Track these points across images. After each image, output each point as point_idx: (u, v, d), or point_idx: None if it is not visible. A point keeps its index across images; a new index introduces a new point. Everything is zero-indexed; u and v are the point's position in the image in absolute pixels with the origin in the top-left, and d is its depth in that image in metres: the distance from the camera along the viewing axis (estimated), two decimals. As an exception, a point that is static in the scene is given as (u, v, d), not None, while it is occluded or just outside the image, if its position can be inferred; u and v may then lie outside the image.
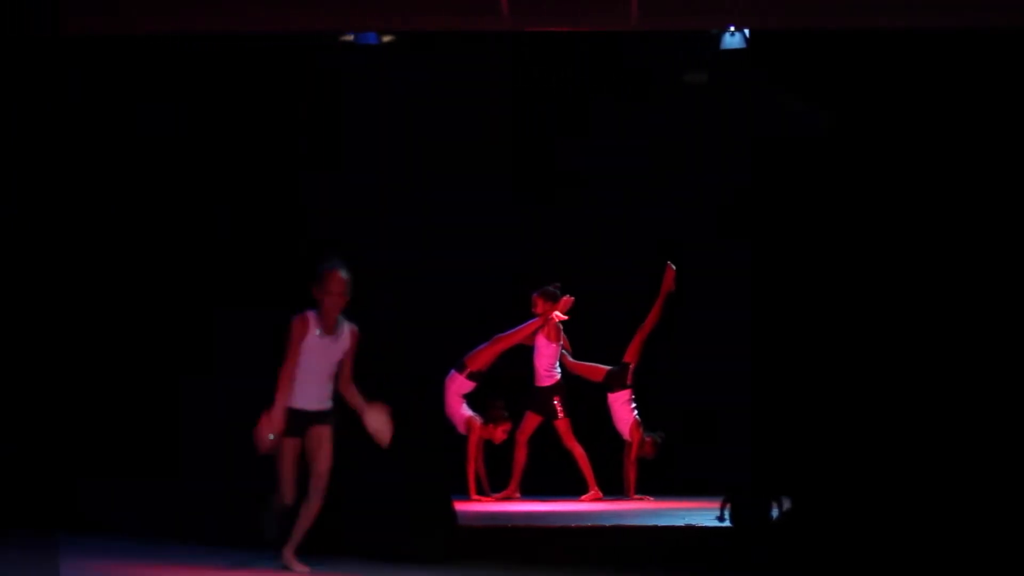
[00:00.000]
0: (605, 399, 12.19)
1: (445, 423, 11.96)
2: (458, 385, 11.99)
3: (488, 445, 12.06)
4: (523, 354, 12.10)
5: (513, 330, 12.00)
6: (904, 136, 10.42)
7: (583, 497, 11.88)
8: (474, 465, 11.92)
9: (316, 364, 7.92)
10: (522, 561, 8.70)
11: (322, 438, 7.93)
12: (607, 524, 9.67)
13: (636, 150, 12.63)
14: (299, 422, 7.91)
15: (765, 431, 10.34)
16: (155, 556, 8.59)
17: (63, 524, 9.15)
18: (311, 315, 7.91)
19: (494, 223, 12.55)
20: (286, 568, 7.94)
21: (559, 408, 11.94)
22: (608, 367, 12.18)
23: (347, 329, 7.98)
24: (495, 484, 12.04)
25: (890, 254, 10.29)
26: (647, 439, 12.00)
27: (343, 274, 7.90)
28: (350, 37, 11.34)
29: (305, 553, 8.05)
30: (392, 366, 9.76)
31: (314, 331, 7.88)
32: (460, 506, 9.54)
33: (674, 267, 12.07)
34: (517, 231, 12.68)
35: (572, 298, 11.97)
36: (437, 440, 11.54)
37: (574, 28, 10.85)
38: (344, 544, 8.53)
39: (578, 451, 11.95)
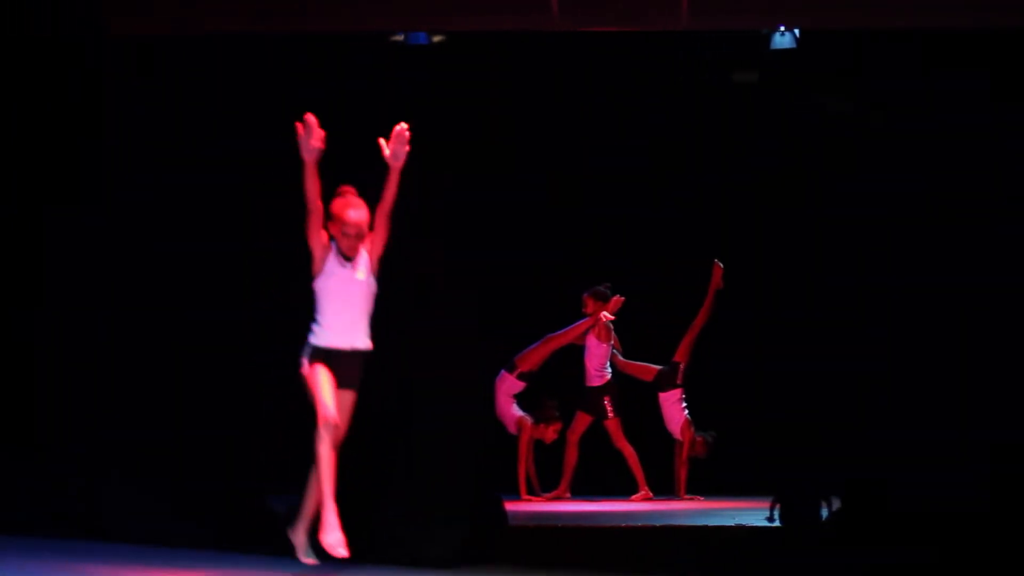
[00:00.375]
0: (656, 399, 12.18)
1: (496, 423, 11.98)
2: (508, 385, 12.00)
3: (539, 445, 12.07)
4: (574, 354, 12.10)
5: (563, 330, 12.01)
6: None
7: (633, 497, 11.87)
8: (525, 465, 11.92)
9: (338, 295, 7.39)
10: (572, 561, 8.68)
11: (343, 406, 7.35)
12: (657, 524, 9.64)
13: (681, 149, 12.60)
14: (328, 360, 7.37)
15: None
16: (150, 560, 8.03)
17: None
18: (333, 243, 7.45)
19: (544, 222, 12.55)
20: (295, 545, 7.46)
21: (610, 408, 11.93)
22: (659, 367, 12.17)
23: (364, 251, 7.44)
24: (545, 484, 12.05)
25: None
26: (698, 439, 11.97)
27: (355, 214, 7.36)
28: (400, 37, 11.38)
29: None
30: (443, 368, 9.73)
31: (333, 254, 7.38)
32: (511, 506, 9.54)
33: (722, 265, 12.05)
34: (568, 231, 12.67)
35: (622, 298, 11.96)
36: (487, 440, 11.56)
37: (624, 28, 10.84)
38: (375, 549, 8.39)
39: (628, 451, 11.94)
